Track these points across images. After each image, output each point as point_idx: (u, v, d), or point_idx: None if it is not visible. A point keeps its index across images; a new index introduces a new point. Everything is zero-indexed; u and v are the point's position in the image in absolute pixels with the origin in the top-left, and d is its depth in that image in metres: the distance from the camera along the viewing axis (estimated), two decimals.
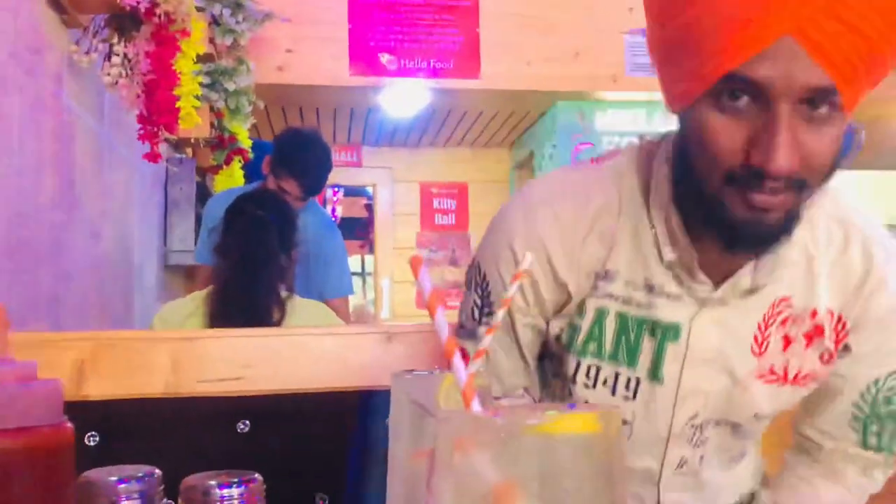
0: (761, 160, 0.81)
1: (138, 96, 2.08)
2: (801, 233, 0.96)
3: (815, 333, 1.00)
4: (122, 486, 0.72)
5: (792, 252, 0.97)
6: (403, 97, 4.35)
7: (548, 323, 1.05)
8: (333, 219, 8.50)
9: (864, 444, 1.08)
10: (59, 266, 2.23)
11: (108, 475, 0.73)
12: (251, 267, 2.22)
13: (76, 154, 2.36)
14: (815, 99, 0.81)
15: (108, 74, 2.09)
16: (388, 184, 5.91)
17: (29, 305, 2.00)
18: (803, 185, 0.85)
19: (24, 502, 0.54)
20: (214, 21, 3.26)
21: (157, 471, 0.75)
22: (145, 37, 2.07)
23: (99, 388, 1.46)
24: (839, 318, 1.00)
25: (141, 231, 3.23)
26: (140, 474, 0.73)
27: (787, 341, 0.99)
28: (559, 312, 1.04)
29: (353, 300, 4.53)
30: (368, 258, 7.71)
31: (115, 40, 2.10)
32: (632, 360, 0.99)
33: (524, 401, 0.87)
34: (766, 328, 0.99)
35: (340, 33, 4.06)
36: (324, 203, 7.91)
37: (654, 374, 0.99)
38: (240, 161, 3.49)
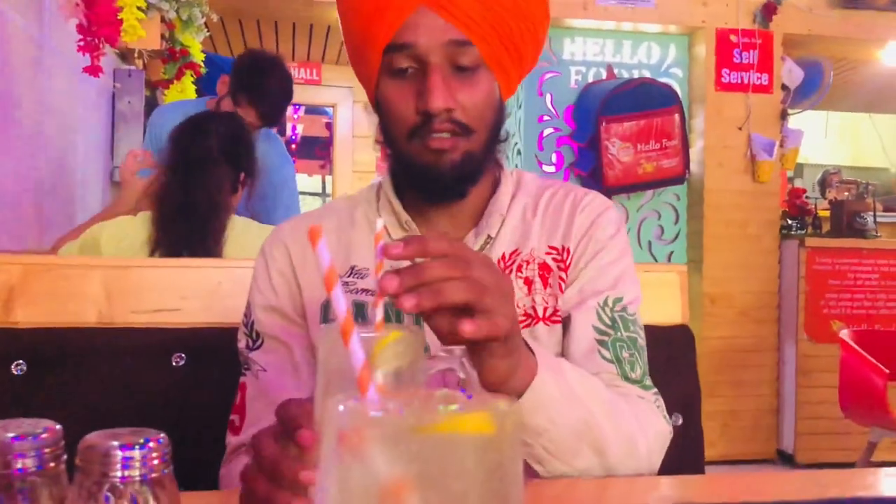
0: (424, 103, 0.98)
1: (77, 5, 1.97)
2: (509, 199, 1.14)
3: (543, 270, 1.12)
4: (18, 442, 0.67)
5: (500, 211, 1.13)
6: None
7: None
8: (293, 137, 8.38)
9: (624, 376, 1.08)
10: None
11: (3, 431, 0.67)
12: (191, 182, 2.13)
13: (12, 63, 2.25)
14: (457, 52, 0.99)
15: None
16: (349, 104, 5.79)
17: None
18: (468, 129, 1.02)
19: None
20: None
21: (58, 426, 0.69)
22: None
23: (28, 315, 1.40)
24: (562, 248, 1.14)
25: (86, 145, 3.12)
26: (39, 430, 0.68)
27: (528, 283, 1.11)
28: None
29: None
30: (329, 178, 7.61)
31: None
32: None
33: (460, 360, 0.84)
34: None
35: None
36: (284, 119, 7.76)
37: None
38: (192, 75, 3.38)
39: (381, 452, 0.35)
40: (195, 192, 2.14)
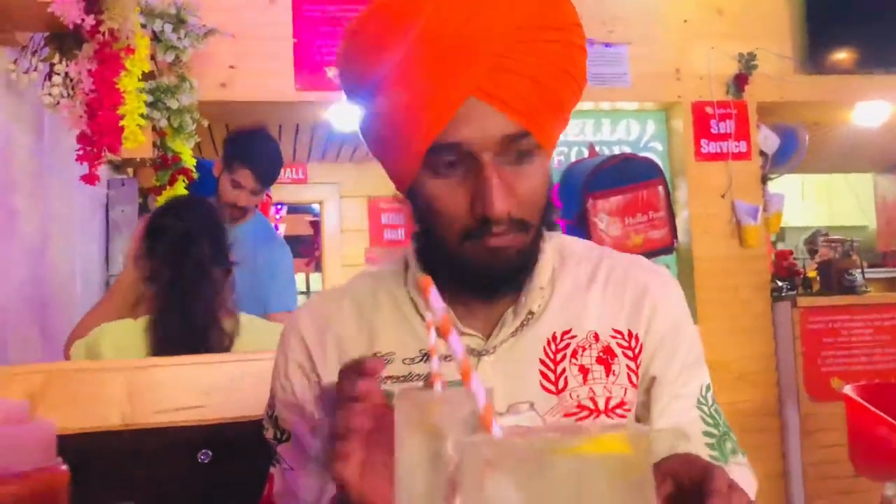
0: (482, 209, 0.88)
1: (81, 116, 2.01)
2: (550, 271, 1.04)
3: (607, 355, 1.01)
4: None
5: (541, 285, 1.02)
6: (350, 111, 4.28)
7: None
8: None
9: (725, 459, 1.03)
10: None
11: None
12: (183, 289, 2.03)
13: (14, 176, 2.28)
14: (513, 144, 0.89)
15: (49, 94, 2.02)
16: (335, 200, 5.86)
17: None
18: (525, 224, 0.93)
19: None
20: (155, 37, 3.18)
21: None
22: (88, 55, 2.01)
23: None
24: (628, 334, 1.03)
25: (83, 256, 3.13)
26: None
27: (585, 371, 1.00)
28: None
29: None
30: (314, 276, 7.62)
31: (57, 59, 2.04)
32: None
33: (529, 415, 0.84)
34: (554, 364, 1.00)
35: (285, 48, 4.01)
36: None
37: None
38: (184, 181, 3.42)
39: (526, 477, 0.36)
40: (189, 306, 2.03)
